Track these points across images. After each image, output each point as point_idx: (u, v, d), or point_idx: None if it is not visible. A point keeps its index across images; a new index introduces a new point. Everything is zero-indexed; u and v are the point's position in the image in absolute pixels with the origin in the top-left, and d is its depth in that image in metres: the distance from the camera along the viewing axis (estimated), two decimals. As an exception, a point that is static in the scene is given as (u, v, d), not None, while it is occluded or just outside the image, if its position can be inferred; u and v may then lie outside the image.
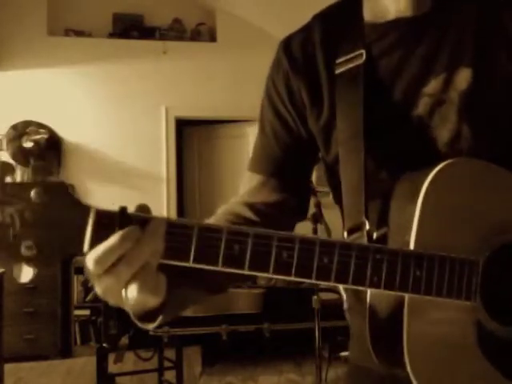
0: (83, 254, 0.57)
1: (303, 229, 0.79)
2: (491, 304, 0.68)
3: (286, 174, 0.85)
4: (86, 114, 5.33)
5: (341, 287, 0.76)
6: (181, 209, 5.83)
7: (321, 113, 0.80)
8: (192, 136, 6.13)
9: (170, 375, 3.48)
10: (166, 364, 3.59)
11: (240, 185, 0.89)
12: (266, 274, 0.61)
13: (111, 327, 3.48)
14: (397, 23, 0.77)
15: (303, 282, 3.51)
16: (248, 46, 5.46)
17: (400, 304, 0.66)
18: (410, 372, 0.65)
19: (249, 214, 0.82)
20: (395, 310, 0.67)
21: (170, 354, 3.51)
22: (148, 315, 0.67)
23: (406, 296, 0.66)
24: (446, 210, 0.68)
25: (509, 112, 0.74)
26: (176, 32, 5.68)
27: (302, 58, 0.82)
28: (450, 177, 0.68)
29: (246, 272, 0.59)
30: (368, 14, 0.80)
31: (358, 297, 0.80)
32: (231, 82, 5.47)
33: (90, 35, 5.52)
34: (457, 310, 0.67)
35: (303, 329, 3.11)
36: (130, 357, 3.63)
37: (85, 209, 0.56)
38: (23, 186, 0.56)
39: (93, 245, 0.56)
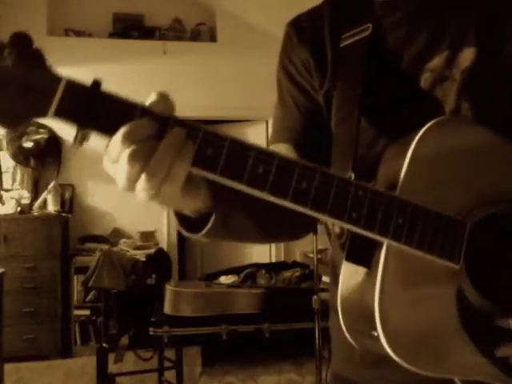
0: (45, 117, 0.55)
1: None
2: (474, 272, 0.63)
3: (309, 141, 0.84)
4: (86, 114, 5.32)
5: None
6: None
7: (323, 82, 0.82)
8: (192, 136, 6.12)
9: (169, 375, 3.49)
10: (166, 364, 3.59)
11: None
12: (238, 185, 0.58)
13: (111, 327, 3.48)
14: (405, 0, 0.79)
15: (303, 282, 3.50)
16: (248, 45, 5.45)
17: (373, 279, 0.61)
18: (384, 340, 0.60)
19: None
20: (367, 282, 0.62)
21: (170, 354, 3.51)
22: (192, 222, 0.68)
23: (383, 254, 0.61)
24: (435, 167, 0.64)
25: (508, 91, 0.74)
26: (176, 32, 5.67)
27: (309, 29, 0.85)
28: (441, 133, 0.65)
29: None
30: None
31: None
32: (231, 82, 5.46)
33: (90, 35, 5.51)
34: (439, 274, 0.62)
35: (303, 329, 3.11)
36: (130, 357, 3.63)
37: (56, 77, 0.57)
38: None
39: (58, 112, 0.55)
